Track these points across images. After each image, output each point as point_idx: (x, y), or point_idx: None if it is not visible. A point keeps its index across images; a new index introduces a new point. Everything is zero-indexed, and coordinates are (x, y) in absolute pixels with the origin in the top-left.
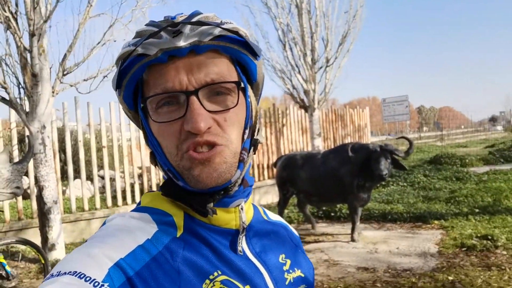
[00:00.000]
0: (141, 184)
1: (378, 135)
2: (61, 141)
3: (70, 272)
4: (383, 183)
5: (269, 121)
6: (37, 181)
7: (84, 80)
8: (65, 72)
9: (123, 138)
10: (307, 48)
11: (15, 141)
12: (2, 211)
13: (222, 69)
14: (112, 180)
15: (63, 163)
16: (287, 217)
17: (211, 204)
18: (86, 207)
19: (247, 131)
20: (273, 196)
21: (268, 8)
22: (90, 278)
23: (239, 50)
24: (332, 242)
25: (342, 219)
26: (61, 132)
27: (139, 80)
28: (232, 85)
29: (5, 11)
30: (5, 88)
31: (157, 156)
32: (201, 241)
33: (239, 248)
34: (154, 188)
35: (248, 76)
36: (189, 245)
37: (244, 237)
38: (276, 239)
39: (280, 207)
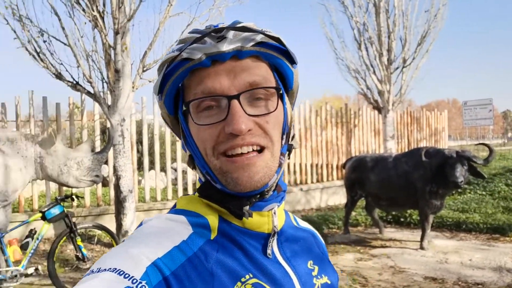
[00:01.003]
0: None
1: (457, 139)
2: (139, 133)
3: (110, 269)
4: (459, 190)
5: (341, 121)
6: (115, 170)
7: None
8: (144, 69)
9: None
10: (384, 48)
11: (97, 132)
12: (82, 197)
13: (263, 74)
14: (184, 173)
15: (140, 154)
16: (354, 219)
17: (247, 207)
18: (159, 197)
19: (284, 137)
20: (341, 197)
21: (345, 7)
22: (129, 275)
23: (278, 57)
24: (400, 248)
25: (412, 225)
26: (139, 125)
27: (180, 85)
28: (272, 90)
29: (93, 11)
30: (90, 82)
31: (196, 159)
32: (234, 244)
33: (269, 252)
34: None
35: (284, 84)
36: (222, 247)
37: (275, 241)
38: (305, 245)
39: (348, 209)
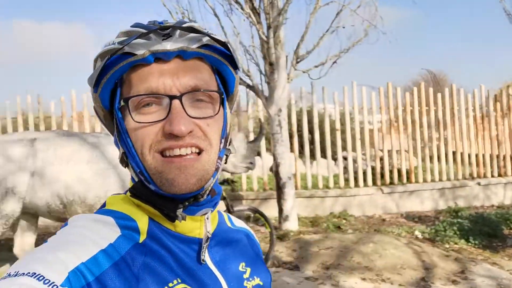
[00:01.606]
0: (374, 169)
1: None
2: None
3: (29, 273)
4: None
5: None
6: (274, 158)
7: (315, 66)
8: (298, 60)
9: (361, 121)
10: None
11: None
12: (236, 182)
13: (206, 77)
14: (354, 161)
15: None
16: None
17: (181, 210)
18: (320, 185)
19: (223, 141)
20: None
21: None
22: (49, 281)
23: (222, 61)
24: None
25: None
26: (298, 115)
27: (118, 79)
28: (214, 94)
29: (247, 9)
30: (249, 76)
31: (130, 157)
32: (163, 248)
33: (202, 257)
34: (389, 173)
35: (225, 88)
36: (151, 251)
37: (206, 246)
38: (238, 247)
39: None
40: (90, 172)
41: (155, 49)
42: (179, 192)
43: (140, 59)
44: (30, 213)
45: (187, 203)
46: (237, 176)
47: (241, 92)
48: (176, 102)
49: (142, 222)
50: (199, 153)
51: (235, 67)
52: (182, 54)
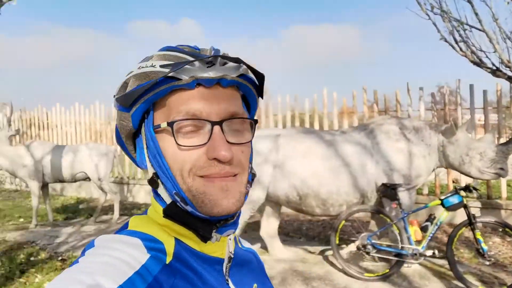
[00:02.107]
0: None
1: None
2: None
3: None
4: None
5: None
6: None
7: None
8: None
9: None
10: None
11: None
12: (477, 189)
13: (240, 105)
14: None
15: None
16: None
17: (215, 231)
18: None
19: (250, 165)
20: None
21: None
22: None
23: (252, 90)
24: None
25: None
26: None
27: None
28: (247, 121)
29: None
30: (510, 67)
31: (164, 179)
32: (189, 270)
33: (226, 278)
34: None
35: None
36: (179, 273)
37: (229, 267)
38: (250, 267)
39: None
40: (324, 167)
41: (200, 76)
42: (221, 213)
43: (184, 84)
44: (273, 201)
45: (218, 225)
46: (494, 182)
47: (502, 85)
48: (217, 128)
49: (169, 244)
50: (235, 176)
51: (260, 94)
52: (221, 82)
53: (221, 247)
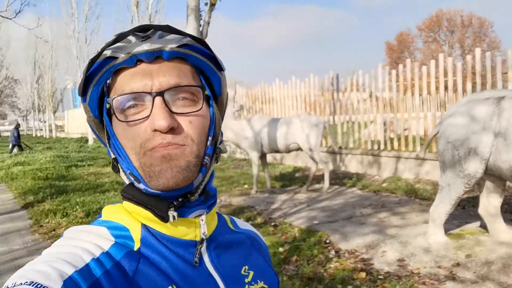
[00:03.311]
0: None
1: None
2: None
3: (27, 282)
4: None
5: None
6: None
7: None
8: None
9: None
10: None
11: None
12: None
13: (187, 75)
14: None
15: None
16: None
17: (172, 210)
18: None
19: (210, 138)
20: None
21: None
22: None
23: (204, 61)
24: None
25: None
26: None
27: (104, 86)
28: (197, 90)
29: None
30: None
31: (120, 160)
32: (158, 254)
33: (195, 259)
34: None
35: (212, 90)
36: (145, 258)
37: (205, 249)
38: (240, 250)
39: None
40: None
41: (135, 51)
42: (167, 184)
43: (121, 61)
44: (495, 175)
45: (176, 203)
46: None
47: None
48: (158, 99)
49: (135, 230)
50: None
51: (220, 68)
52: (162, 55)
53: (194, 229)
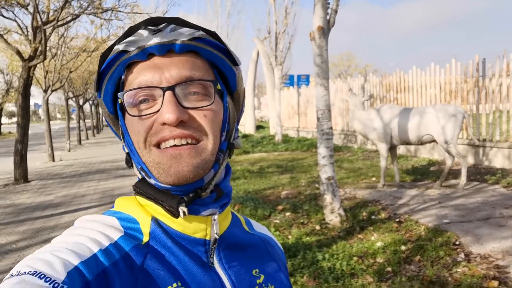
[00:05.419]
0: None
1: None
2: None
3: (30, 271)
4: None
5: None
6: None
7: None
8: None
9: None
10: None
11: None
12: None
13: (200, 70)
14: None
15: None
16: None
17: (184, 205)
18: None
19: (224, 134)
20: None
21: None
22: (50, 278)
23: (218, 55)
24: None
25: None
26: None
27: (118, 81)
28: (209, 84)
29: None
30: None
31: (132, 155)
32: (166, 249)
33: (210, 260)
34: None
35: (227, 85)
36: (152, 252)
37: (214, 248)
38: (252, 252)
39: None
40: None
41: (146, 44)
42: (176, 181)
43: (133, 55)
44: None
45: (186, 199)
46: None
47: None
48: (168, 93)
49: (145, 224)
50: (196, 144)
51: (234, 62)
52: (174, 48)
53: (204, 228)
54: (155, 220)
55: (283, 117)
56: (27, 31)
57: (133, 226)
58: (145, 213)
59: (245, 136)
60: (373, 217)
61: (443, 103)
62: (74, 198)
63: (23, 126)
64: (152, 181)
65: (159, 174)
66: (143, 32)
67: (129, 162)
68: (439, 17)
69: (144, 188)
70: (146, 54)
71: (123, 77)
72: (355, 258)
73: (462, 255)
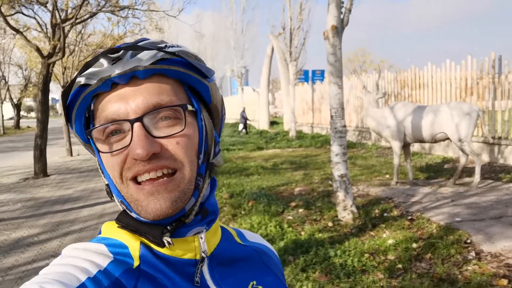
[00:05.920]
0: None
1: None
2: None
3: None
4: None
5: None
6: None
7: None
8: None
9: None
10: None
11: None
12: None
13: (168, 92)
14: None
15: None
16: None
17: (168, 235)
18: None
19: (201, 156)
20: None
21: None
22: None
23: (185, 72)
24: None
25: None
26: None
27: (87, 111)
28: (178, 109)
29: None
30: None
31: (111, 188)
32: (157, 272)
33: (196, 279)
34: None
35: (202, 99)
36: (144, 276)
37: (206, 267)
38: (247, 264)
39: None
40: None
41: (107, 76)
42: (156, 217)
43: (95, 88)
44: None
45: (170, 228)
46: None
47: None
48: (137, 125)
49: (134, 248)
50: (173, 174)
51: (204, 75)
52: (137, 75)
53: (193, 248)
54: (144, 244)
55: (297, 113)
56: (46, 29)
57: (123, 251)
58: (133, 238)
59: (259, 132)
60: (385, 214)
61: (458, 101)
62: (92, 193)
63: (43, 121)
64: (133, 214)
65: (138, 210)
66: (103, 62)
67: (109, 193)
68: (458, 12)
69: (126, 221)
70: (109, 84)
71: (92, 107)
72: (366, 255)
73: (473, 253)
